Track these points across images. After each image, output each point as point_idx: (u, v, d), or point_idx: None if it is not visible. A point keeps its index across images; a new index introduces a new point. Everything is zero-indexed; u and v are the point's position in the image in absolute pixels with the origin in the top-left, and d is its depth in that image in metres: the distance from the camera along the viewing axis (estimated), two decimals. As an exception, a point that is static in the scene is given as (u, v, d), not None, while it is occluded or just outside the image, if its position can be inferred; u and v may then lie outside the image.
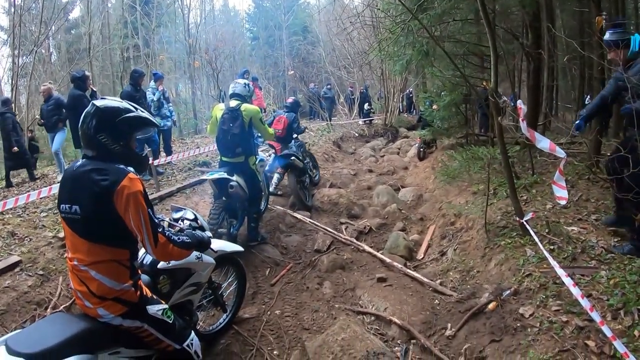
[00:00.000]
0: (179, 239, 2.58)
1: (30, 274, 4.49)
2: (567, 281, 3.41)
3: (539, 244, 4.18)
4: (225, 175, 5.38)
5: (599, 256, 4.20)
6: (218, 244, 3.64)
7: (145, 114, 2.61)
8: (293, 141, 8.79)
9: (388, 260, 5.66)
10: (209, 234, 3.15)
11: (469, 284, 4.72)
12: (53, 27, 18.24)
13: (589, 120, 4.91)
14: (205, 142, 12.87)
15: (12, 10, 14.79)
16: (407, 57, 8.73)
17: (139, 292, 2.53)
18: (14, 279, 4.37)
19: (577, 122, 4.68)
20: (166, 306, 2.70)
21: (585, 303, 3.15)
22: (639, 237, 4.14)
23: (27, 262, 4.67)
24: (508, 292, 4.00)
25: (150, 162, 7.94)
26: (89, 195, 2.33)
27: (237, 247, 4.09)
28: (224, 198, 5.56)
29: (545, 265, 4.19)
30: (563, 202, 4.17)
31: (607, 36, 4.31)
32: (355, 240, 6.45)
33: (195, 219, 3.33)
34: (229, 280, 4.26)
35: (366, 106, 20.56)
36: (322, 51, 26.29)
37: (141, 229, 2.35)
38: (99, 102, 2.47)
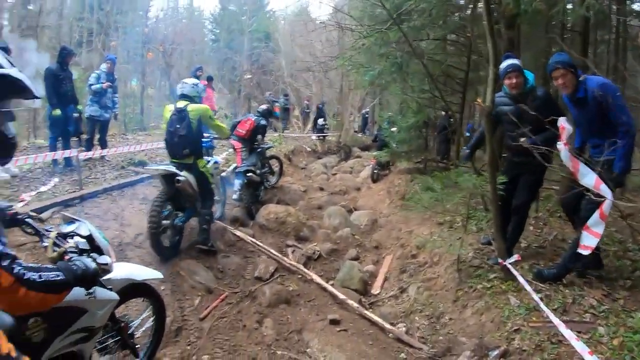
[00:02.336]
0: (40, 277, 1.58)
1: None
2: (579, 347, 2.68)
3: (531, 292, 3.50)
4: (173, 169, 5.19)
5: (592, 308, 3.57)
6: (125, 270, 2.75)
7: (22, 76, 1.68)
8: (255, 150, 8.35)
9: (342, 296, 4.82)
10: (105, 259, 2.10)
11: (441, 335, 3.95)
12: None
13: (475, 149, 5.07)
14: (148, 140, 11.71)
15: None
16: (379, 68, 8.13)
17: None
18: None
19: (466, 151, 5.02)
20: None
21: None
22: (564, 262, 4.00)
23: None
24: (496, 352, 3.25)
25: (77, 154, 7.11)
26: None
27: (154, 273, 3.11)
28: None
29: (534, 319, 3.53)
30: (586, 252, 3.50)
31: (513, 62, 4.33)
32: (303, 268, 5.60)
33: (90, 238, 2.33)
34: (143, 316, 3.24)
35: (321, 121, 19.96)
36: (283, 60, 25.63)
37: None
38: None
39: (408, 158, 10.89)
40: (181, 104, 5.40)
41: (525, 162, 4.26)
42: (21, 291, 1.51)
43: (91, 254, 2.12)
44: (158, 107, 24.59)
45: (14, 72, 1.67)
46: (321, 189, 10.93)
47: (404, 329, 4.21)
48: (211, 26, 40.12)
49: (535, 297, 3.45)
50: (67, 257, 2.04)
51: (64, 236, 2.30)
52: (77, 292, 2.00)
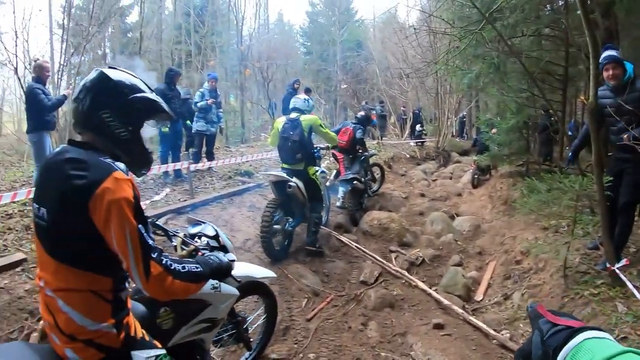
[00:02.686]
0: (183, 268, 1.85)
1: (32, 276, 4.02)
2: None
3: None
4: (285, 177, 5.62)
5: None
6: (244, 269, 3.03)
7: (160, 99, 2.01)
8: (358, 157, 8.69)
9: (446, 301, 4.93)
10: (231, 256, 2.43)
11: (546, 342, 3.96)
12: (109, 28, 18.48)
13: (578, 151, 5.08)
14: (250, 152, 12.45)
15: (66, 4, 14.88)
16: (476, 70, 8.08)
17: (123, 334, 1.82)
18: (13, 279, 3.94)
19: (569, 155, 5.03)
20: (162, 352, 1.97)
21: None
22: None
23: (31, 262, 4.21)
24: (601, 361, 3.24)
25: (188, 166, 7.76)
26: (58, 196, 1.68)
27: (268, 273, 3.38)
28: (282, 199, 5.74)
29: (642, 327, 3.44)
30: None
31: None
32: (406, 273, 5.77)
33: (216, 237, 2.67)
34: (257, 313, 3.60)
35: (418, 127, 19.85)
36: (377, 68, 25.76)
37: (127, 254, 1.67)
38: (108, 70, 1.86)
39: (509, 161, 10.53)
40: (294, 115, 5.91)
41: (629, 159, 4.19)
42: (168, 280, 1.77)
43: (220, 252, 2.42)
44: (257, 120, 25.75)
45: (153, 96, 1.96)
46: (422, 195, 10.99)
47: (508, 335, 4.24)
48: (302, 39, 41.12)
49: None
50: (200, 254, 2.35)
51: (192, 237, 2.63)
52: (205, 287, 2.17)
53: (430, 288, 5.37)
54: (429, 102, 23.35)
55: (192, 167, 8.06)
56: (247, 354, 3.51)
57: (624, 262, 3.94)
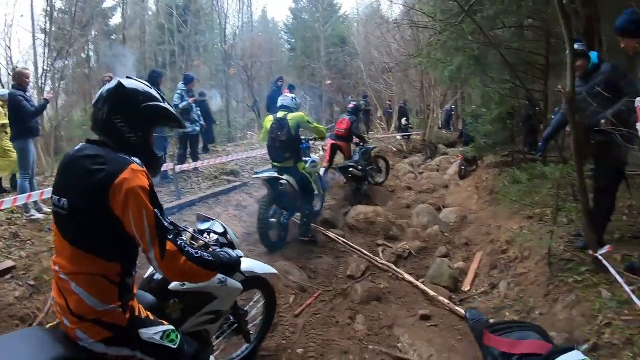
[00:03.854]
0: (197, 253, 2.01)
1: (21, 283, 4.06)
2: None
3: (623, 284, 3.45)
4: (276, 175, 5.93)
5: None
6: (247, 264, 3.09)
7: (173, 110, 2.19)
8: (358, 148, 9.44)
9: (432, 293, 4.95)
10: (239, 253, 2.54)
11: (532, 330, 3.98)
12: (92, 31, 18.28)
13: (549, 140, 5.29)
14: (237, 151, 12.39)
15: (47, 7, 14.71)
16: (457, 63, 8.11)
17: (128, 314, 1.99)
18: (2, 286, 3.94)
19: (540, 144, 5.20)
20: (168, 327, 2.13)
21: None
22: None
23: (20, 269, 4.24)
24: (585, 346, 3.25)
25: (173, 167, 7.74)
26: (79, 188, 1.88)
27: (270, 269, 3.50)
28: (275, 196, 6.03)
29: (627, 312, 3.46)
30: None
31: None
32: (393, 267, 5.78)
33: (225, 234, 2.77)
34: (257, 307, 3.70)
35: (404, 121, 19.90)
36: (361, 63, 25.75)
37: (144, 234, 1.85)
38: (124, 80, 2.04)
39: (495, 152, 10.65)
40: (281, 114, 6.10)
41: (602, 142, 4.24)
42: (182, 260, 1.93)
43: (228, 248, 2.57)
44: (242, 119, 25.65)
45: (165, 105, 2.13)
46: (409, 188, 11.05)
47: (494, 324, 4.27)
48: (286, 36, 40.84)
49: (628, 289, 3.40)
50: (210, 250, 2.42)
51: (201, 232, 2.76)
52: (212, 280, 2.46)
53: (417, 280, 5.39)
54: (414, 96, 23.38)
55: (178, 168, 8.02)
56: (245, 346, 3.61)
57: (606, 249, 3.96)
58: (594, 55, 4.41)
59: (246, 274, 2.81)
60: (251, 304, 3.67)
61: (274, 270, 3.56)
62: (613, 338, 3.23)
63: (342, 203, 8.81)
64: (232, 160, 10.06)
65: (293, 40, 38.93)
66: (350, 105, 10.17)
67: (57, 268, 1.96)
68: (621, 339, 3.18)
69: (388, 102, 23.15)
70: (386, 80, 23.45)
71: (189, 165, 8.93)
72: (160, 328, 2.08)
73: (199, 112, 9.81)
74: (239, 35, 27.77)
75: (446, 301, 4.76)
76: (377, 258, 6.04)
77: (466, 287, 5.43)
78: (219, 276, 2.53)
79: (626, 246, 4.51)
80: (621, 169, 4.44)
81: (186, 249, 1.97)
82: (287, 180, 5.89)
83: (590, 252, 4.06)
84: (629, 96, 3.83)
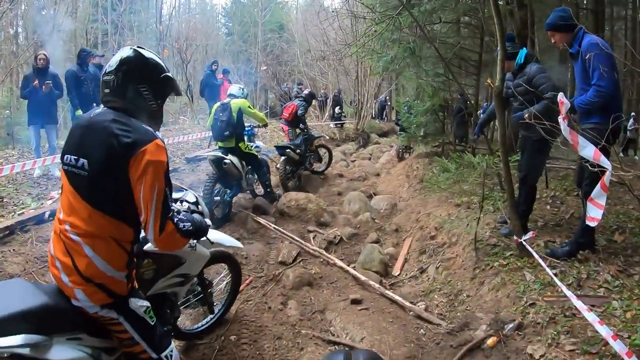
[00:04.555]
0: (183, 227, 2.14)
1: None
2: (590, 317, 2.77)
3: (546, 267, 3.58)
4: (220, 154, 6.36)
5: (607, 283, 3.62)
6: (215, 236, 3.27)
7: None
8: (302, 133, 9.65)
9: (363, 277, 4.95)
10: (208, 221, 2.69)
11: (459, 312, 4.06)
12: (21, 5, 16.93)
13: (484, 126, 5.77)
14: (167, 135, 11.90)
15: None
16: (392, 54, 8.18)
17: (130, 285, 2.15)
18: None
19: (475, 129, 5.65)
20: (147, 304, 2.22)
21: (604, 331, 2.61)
22: (576, 238, 4.10)
23: None
24: (511, 325, 3.35)
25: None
26: (103, 149, 1.96)
27: (236, 243, 3.73)
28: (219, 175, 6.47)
29: (549, 293, 3.61)
30: (594, 224, 3.51)
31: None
32: (324, 252, 5.74)
33: (197, 203, 2.90)
34: (221, 277, 3.99)
35: (337, 109, 20.01)
36: (298, 50, 25.55)
37: (149, 208, 1.97)
38: (142, 50, 2.18)
39: (425, 142, 10.95)
40: (226, 100, 6.78)
41: (526, 136, 4.57)
42: (176, 236, 2.09)
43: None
44: (174, 103, 24.76)
45: (171, 75, 2.28)
46: (340, 176, 11.05)
47: (423, 306, 4.32)
48: (224, 20, 39.93)
49: (550, 272, 3.52)
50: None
51: (174, 201, 2.76)
52: None
53: (348, 265, 5.38)
54: (349, 85, 23.51)
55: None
56: (209, 317, 3.79)
57: (530, 234, 4.11)
58: (522, 53, 4.59)
59: (213, 242, 3.06)
60: (218, 278, 3.95)
61: (239, 244, 3.78)
62: (537, 317, 3.35)
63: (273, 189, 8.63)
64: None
65: (230, 24, 37.99)
66: (306, 91, 10.95)
67: (66, 227, 2.01)
68: (545, 318, 3.30)
69: (322, 91, 23.12)
70: (322, 68, 23.40)
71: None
72: (145, 303, 2.20)
73: None
74: (175, 16, 26.71)
75: (377, 285, 4.77)
76: (308, 244, 5.99)
77: (396, 271, 5.50)
78: (190, 241, 2.58)
79: (549, 233, 4.73)
80: (538, 158, 4.66)
81: (179, 226, 2.10)
82: (230, 160, 6.34)
83: (515, 237, 4.19)
84: (548, 95, 4.18)
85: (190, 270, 2.97)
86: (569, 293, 3.08)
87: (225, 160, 6.34)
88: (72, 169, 2.04)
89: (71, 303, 2.03)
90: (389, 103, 25.96)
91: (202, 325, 3.72)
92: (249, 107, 6.89)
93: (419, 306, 4.34)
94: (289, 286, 4.81)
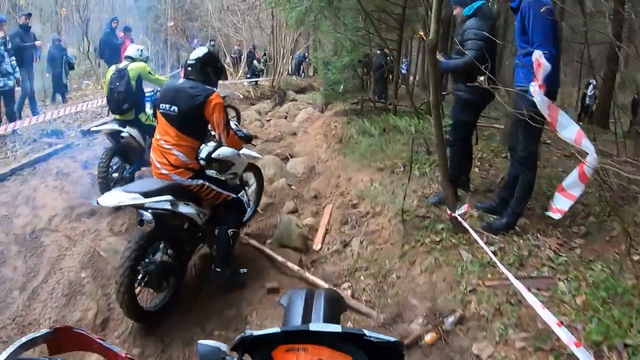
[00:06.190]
0: (239, 132, 3.90)
1: None
2: (531, 299, 2.37)
3: (483, 245, 3.17)
4: (117, 127, 5.83)
5: (550, 260, 3.30)
6: (246, 151, 4.70)
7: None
8: None
9: (280, 258, 4.33)
10: (251, 133, 4.70)
11: (390, 297, 3.56)
12: None
13: None
14: (68, 105, 10.54)
15: None
16: (307, 4, 7.42)
17: (198, 165, 3.69)
18: None
19: None
20: (217, 171, 4.07)
21: (548, 316, 2.29)
22: (512, 209, 3.73)
23: None
24: (451, 319, 2.91)
25: None
26: (186, 102, 3.48)
27: (256, 154, 5.38)
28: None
29: (490, 276, 3.21)
30: (557, 216, 3.03)
31: None
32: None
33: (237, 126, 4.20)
34: (251, 183, 5.25)
35: (256, 62, 19.10)
36: (210, 5, 23.96)
37: (220, 126, 3.60)
38: (209, 50, 4.08)
39: (344, 99, 10.46)
40: (123, 64, 5.99)
41: (452, 92, 4.51)
42: (235, 137, 3.80)
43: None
44: (79, 67, 22.45)
45: (223, 64, 4.23)
46: (255, 137, 10.27)
47: (349, 290, 3.78)
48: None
49: (489, 251, 3.13)
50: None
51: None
52: (234, 152, 4.27)
53: (264, 244, 4.76)
54: (264, 41, 22.46)
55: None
56: (249, 210, 5.04)
57: (465, 208, 3.71)
58: (476, 4, 4.06)
59: (246, 155, 4.71)
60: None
61: (259, 155, 5.63)
62: (480, 307, 2.94)
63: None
64: (59, 117, 8.63)
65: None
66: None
67: (162, 142, 3.55)
68: (489, 309, 2.89)
69: (236, 47, 21.92)
70: (236, 24, 22.11)
71: (5, 127, 7.31)
72: (214, 171, 3.98)
73: (12, 63, 8.07)
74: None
75: (296, 268, 4.19)
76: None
77: (317, 245, 4.93)
78: (237, 151, 4.28)
79: (480, 200, 4.35)
80: (463, 117, 4.28)
81: (236, 131, 3.82)
82: (128, 133, 5.80)
83: (449, 212, 3.76)
84: (469, 53, 3.81)
85: (238, 170, 4.42)
86: (510, 276, 2.66)
87: (123, 134, 5.75)
88: (166, 111, 3.53)
89: (175, 182, 3.51)
90: (307, 59, 25.23)
91: (247, 219, 4.92)
92: (150, 72, 6.07)
93: (344, 289, 3.81)
94: (192, 275, 4.12)
